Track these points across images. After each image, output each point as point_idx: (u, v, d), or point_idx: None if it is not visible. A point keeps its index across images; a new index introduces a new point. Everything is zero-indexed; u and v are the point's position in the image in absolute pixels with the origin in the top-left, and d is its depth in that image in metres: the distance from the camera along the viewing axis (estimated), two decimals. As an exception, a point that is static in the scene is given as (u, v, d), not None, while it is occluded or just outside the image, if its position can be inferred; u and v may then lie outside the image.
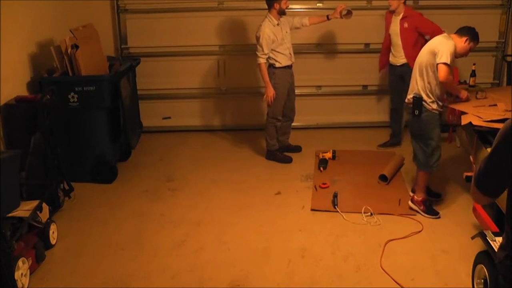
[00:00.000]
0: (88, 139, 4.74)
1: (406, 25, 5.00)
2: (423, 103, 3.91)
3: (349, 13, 5.05)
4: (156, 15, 5.87)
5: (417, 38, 4.99)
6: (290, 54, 5.04)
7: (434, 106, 3.94)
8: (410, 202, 4.22)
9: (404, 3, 5.06)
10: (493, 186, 1.73)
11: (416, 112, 3.92)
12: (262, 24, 4.87)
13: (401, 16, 5.04)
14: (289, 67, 5.07)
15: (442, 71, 3.77)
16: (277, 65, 4.98)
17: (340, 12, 5.05)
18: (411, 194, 4.36)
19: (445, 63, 3.76)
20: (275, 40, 4.88)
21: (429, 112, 3.94)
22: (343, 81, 6.12)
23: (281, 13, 4.91)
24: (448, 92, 4.10)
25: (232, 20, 5.88)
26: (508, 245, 1.76)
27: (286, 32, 5.00)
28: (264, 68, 4.95)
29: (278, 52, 4.93)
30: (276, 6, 4.84)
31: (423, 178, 4.11)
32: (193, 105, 6.24)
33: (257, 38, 4.90)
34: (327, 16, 5.15)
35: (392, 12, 5.11)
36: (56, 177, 4.18)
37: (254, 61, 5.01)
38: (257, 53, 4.91)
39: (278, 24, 4.91)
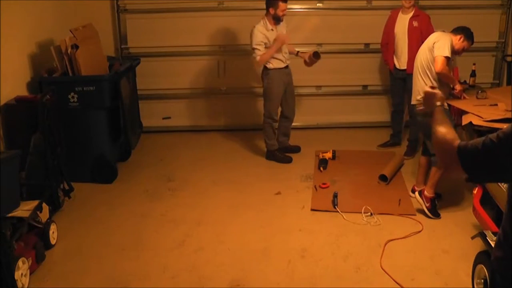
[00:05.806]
0: (88, 139, 4.73)
1: (415, 24, 4.94)
2: None
3: (316, 56, 4.97)
4: (156, 15, 5.87)
5: (422, 40, 4.97)
6: (285, 57, 4.99)
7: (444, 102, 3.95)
8: (417, 195, 4.18)
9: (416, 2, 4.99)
10: (483, 176, 1.72)
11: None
12: (256, 25, 4.83)
13: (411, 14, 4.97)
14: (284, 67, 5.05)
15: (439, 62, 3.82)
16: (270, 66, 4.95)
17: (309, 57, 5.00)
18: (412, 194, 4.37)
19: (442, 56, 3.79)
20: (267, 43, 4.84)
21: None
22: (343, 81, 6.12)
23: (276, 19, 4.83)
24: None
25: (232, 20, 5.88)
26: (505, 243, 1.76)
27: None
28: (265, 55, 4.82)
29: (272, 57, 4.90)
30: (271, 11, 4.79)
31: (438, 174, 4.04)
32: (193, 105, 6.24)
33: (250, 37, 4.86)
34: (297, 52, 5.17)
35: (401, 10, 5.03)
36: (56, 177, 4.18)
37: (254, 61, 4.99)
38: (253, 51, 4.84)
39: (272, 30, 4.85)
